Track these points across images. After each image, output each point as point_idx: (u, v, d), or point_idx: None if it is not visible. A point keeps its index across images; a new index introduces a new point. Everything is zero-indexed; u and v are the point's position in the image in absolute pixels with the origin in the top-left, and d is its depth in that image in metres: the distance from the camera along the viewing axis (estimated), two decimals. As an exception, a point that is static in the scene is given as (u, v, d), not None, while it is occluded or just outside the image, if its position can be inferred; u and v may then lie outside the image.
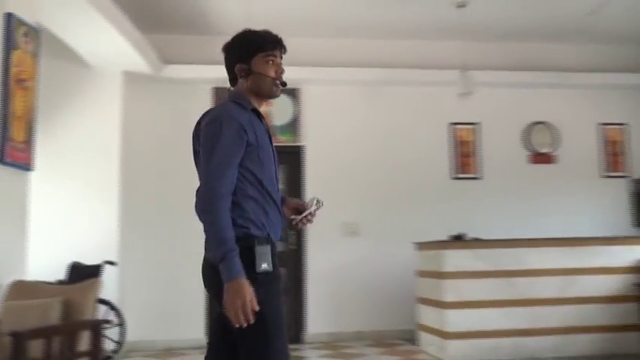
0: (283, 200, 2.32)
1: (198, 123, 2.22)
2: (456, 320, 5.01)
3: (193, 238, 6.13)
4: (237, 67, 2.22)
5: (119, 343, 5.41)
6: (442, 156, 6.85)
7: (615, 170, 7.02)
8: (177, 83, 6.45)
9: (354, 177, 6.63)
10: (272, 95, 2.27)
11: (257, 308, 1.92)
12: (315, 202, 2.28)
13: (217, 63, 5.62)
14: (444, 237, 5.64)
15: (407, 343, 6.01)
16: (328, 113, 6.70)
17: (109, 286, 5.48)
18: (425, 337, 5.58)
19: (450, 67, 6.06)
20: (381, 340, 6.29)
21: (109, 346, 5.29)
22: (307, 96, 6.69)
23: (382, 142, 6.72)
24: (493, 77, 6.60)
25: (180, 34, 6.45)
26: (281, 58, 2.25)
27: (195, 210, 2.09)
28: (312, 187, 6.53)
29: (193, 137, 2.26)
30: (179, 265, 6.22)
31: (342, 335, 6.39)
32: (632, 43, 6.96)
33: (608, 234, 6.47)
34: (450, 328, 5.01)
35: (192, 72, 6.26)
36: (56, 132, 5.79)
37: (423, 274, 5.61)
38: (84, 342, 3.23)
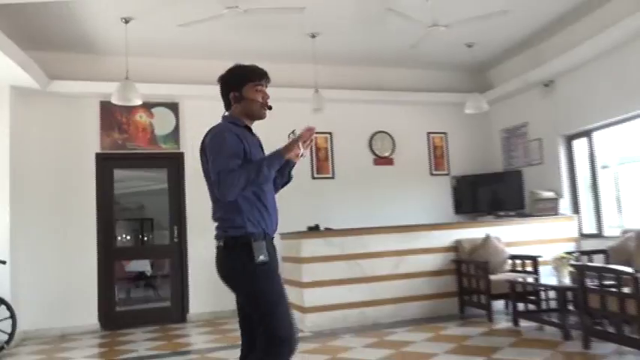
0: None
1: (203, 141, 2.66)
2: (312, 297, 5.93)
3: (81, 235, 6.72)
4: (231, 94, 2.68)
5: (10, 335, 5.78)
6: (304, 159, 7.76)
7: (440, 169, 8.42)
8: (65, 97, 6.82)
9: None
10: (260, 116, 2.71)
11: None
12: (290, 135, 2.66)
13: (103, 79, 6.19)
14: (306, 228, 6.57)
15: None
16: (205, 124, 7.26)
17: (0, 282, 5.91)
18: (289, 311, 6.50)
19: (306, 87, 7.02)
20: (254, 317, 7.15)
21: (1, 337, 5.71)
22: (186, 109, 7.35)
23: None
24: (342, 95, 7.70)
25: (67, 52, 6.80)
26: (266, 86, 2.70)
27: (214, 219, 2.62)
28: (192, 188, 7.22)
29: (201, 153, 2.68)
30: (70, 258, 6.72)
31: (222, 313, 7.11)
32: (448, 70, 8.38)
33: (438, 220, 7.83)
34: (307, 304, 5.92)
35: (79, 87, 6.69)
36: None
37: (287, 259, 6.47)
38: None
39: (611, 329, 4.24)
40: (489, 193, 8.32)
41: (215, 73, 7.41)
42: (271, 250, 2.61)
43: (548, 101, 7.53)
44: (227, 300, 7.32)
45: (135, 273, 8.28)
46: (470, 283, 6.28)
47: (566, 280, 5.02)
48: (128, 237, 7.99)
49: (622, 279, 4.06)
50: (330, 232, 6.36)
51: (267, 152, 2.71)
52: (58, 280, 6.65)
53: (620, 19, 5.88)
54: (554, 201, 7.26)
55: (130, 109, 7.04)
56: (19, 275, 6.37)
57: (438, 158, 8.45)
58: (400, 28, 6.40)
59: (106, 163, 7.00)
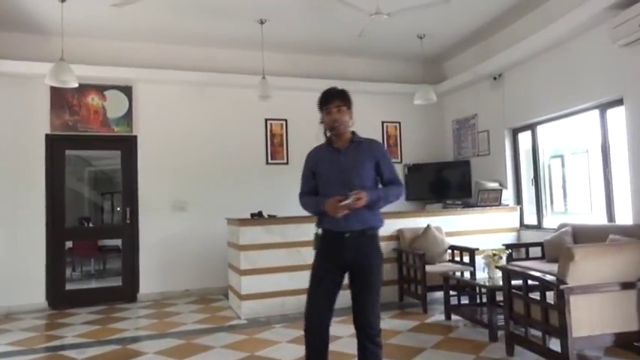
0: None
1: None
2: (249, 284, 5.17)
3: (29, 215, 5.92)
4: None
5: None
6: (259, 145, 6.98)
7: (393, 157, 7.57)
8: (13, 77, 5.92)
9: (182, 162, 6.59)
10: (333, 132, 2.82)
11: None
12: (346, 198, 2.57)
13: (51, 60, 5.24)
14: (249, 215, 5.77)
15: (225, 299, 6.18)
16: (159, 108, 6.55)
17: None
18: (232, 297, 5.75)
19: (255, 74, 6.13)
20: (205, 297, 6.42)
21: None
22: (140, 93, 6.48)
23: (207, 133, 6.71)
24: (295, 83, 6.83)
25: (13, 32, 5.89)
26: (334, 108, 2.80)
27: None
28: (145, 170, 6.43)
29: None
30: (17, 239, 5.93)
31: (171, 294, 6.45)
32: (402, 61, 7.50)
33: (389, 207, 6.99)
34: (244, 291, 5.17)
35: (25, 67, 5.78)
36: None
37: (230, 244, 5.75)
38: None
39: (534, 338, 3.48)
40: (439, 182, 7.52)
41: (169, 57, 6.58)
42: (323, 244, 2.78)
43: (496, 94, 6.70)
44: (178, 280, 6.71)
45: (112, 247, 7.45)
46: (409, 272, 5.53)
47: (497, 278, 4.27)
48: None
49: (547, 287, 3.29)
50: (270, 219, 5.55)
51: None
52: (4, 260, 5.85)
53: (565, 13, 5.05)
54: (498, 192, 6.48)
55: (82, 92, 6.16)
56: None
57: (391, 147, 7.62)
58: (348, 17, 5.52)
59: (57, 144, 6.14)
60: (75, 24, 5.61)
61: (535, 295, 3.41)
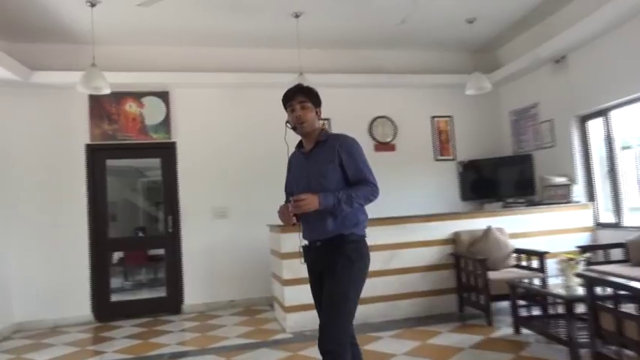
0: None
1: None
2: (294, 295, 4.73)
3: (72, 226, 5.79)
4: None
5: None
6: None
7: (445, 154, 7.00)
8: (51, 88, 5.81)
9: (220, 167, 6.29)
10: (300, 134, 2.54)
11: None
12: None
13: (85, 69, 5.01)
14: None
15: (271, 310, 5.80)
16: (196, 112, 6.28)
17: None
18: (277, 308, 5.37)
19: (293, 72, 5.71)
20: (250, 307, 6.07)
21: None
22: (176, 98, 6.23)
23: (247, 136, 6.38)
24: (337, 79, 6.37)
25: (48, 43, 5.76)
26: (297, 104, 2.47)
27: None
28: (185, 178, 6.17)
29: None
30: (62, 251, 5.83)
31: (216, 305, 6.14)
32: (451, 50, 6.88)
33: (443, 209, 6.47)
34: (287, 302, 4.77)
35: (61, 77, 5.61)
36: None
37: (272, 252, 5.37)
38: None
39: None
40: (497, 179, 6.84)
41: (204, 59, 6.28)
42: (308, 254, 2.52)
43: (560, 79, 5.97)
44: (223, 290, 6.39)
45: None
46: (468, 280, 4.93)
47: (575, 287, 3.62)
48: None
49: (646, 299, 2.66)
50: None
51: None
52: (51, 273, 5.74)
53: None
54: (567, 187, 5.75)
55: (120, 99, 5.99)
56: (10, 268, 5.50)
57: (443, 143, 7.01)
58: (388, 2, 5.03)
59: (97, 155, 5.99)
60: (107, 29, 5.42)
61: (628, 309, 2.78)
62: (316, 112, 2.52)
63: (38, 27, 5.34)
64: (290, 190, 2.60)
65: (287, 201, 2.47)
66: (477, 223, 5.27)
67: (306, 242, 2.52)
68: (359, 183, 2.38)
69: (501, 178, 6.81)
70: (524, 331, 4.15)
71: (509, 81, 6.85)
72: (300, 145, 2.60)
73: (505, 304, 4.68)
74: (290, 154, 2.70)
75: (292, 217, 2.35)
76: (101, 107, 5.97)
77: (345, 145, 2.43)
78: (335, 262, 2.33)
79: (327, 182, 2.36)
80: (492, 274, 4.63)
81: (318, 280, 2.47)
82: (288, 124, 2.52)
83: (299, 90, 2.50)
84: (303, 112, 2.46)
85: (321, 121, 2.58)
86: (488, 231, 5.07)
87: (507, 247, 5.02)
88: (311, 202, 2.26)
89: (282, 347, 4.26)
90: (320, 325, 2.30)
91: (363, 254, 2.40)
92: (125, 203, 7.19)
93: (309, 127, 2.48)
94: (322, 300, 2.34)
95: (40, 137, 5.84)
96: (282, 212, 2.41)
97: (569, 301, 3.46)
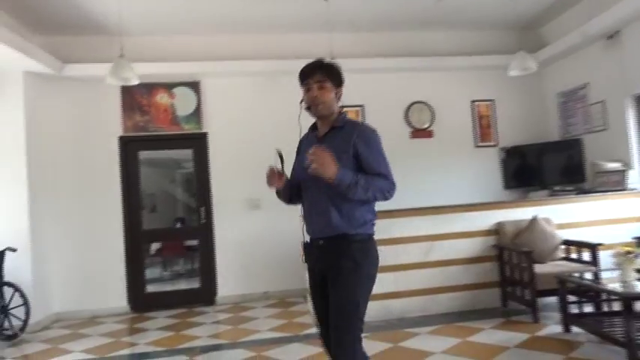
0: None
1: None
2: (326, 287, 4.59)
3: (107, 218, 5.82)
4: None
5: (25, 321, 4.92)
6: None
7: (486, 140, 6.62)
8: (84, 81, 5.81)
9: (254, 157, 6.04)
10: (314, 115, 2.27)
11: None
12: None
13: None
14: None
15: (305, 302, 5.66)
16: (227, 102, 6.16)
17: (19, 269, 5.07)
18: (309, 300, 5.20)
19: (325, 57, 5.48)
20: (284, 299, 5.94)
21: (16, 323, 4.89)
22: (207, 87, 6.12)
23: (278, 124, 6.07)
24: (371, 64, 6.10)
25: (80, 36, 5.75)
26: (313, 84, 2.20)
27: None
28: (217, 169, 6.08)
29: None
30: (97, 242, 5.86)
31: (250, 296, 6.05)
32: (492, 29, 6.47)
33: (484, 197, 6.13)
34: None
35: (94, 70, 5.59)
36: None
37: (305, 244, 5.19)
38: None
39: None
40: (543, 165, 6.41)
41: (233, 47, 6.11)
42: (312, 253, 2.22)
43: (612, 56, 5.50)
44: (257, 281, 6.26)
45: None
46: (513, 273, 4.60)
47: (633, 282, 3.27)
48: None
49: None
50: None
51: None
52: (89, 264, 5.79)
53: None
54: (621, 173, 5.31)
55: (151, 91, 5.93)
56: (49, 260, 5.56)
57: (484, 128, 6.62)
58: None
59: (130, 146, 5.96)
60: (137, 20, 5.36)
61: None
62: (336, 93, 2.23)
63: (69, 20, 5.33)
64: (294, 176, 2.34)
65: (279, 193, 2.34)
66: (522, 213, 4.91)
67: (307, 239, 2.26)
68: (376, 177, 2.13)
69: (547, 165, 6.38)
70: (575, 329, 3.82)
71: (555, 60, 6.38)
72: (314, 126, 2.33)
73: (552, 300, 4.36)
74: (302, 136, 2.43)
75: (278, 177, 2.19)
76: (133, 99, 5.93)
77: (364, 135, 2.15)
78: (340, 266, 2.08)
79: None
80: (538, 268, 4.29)
81: (319, 282, 2.21)
82: (302, 104, 2.24)
83: (318, 67, 2.20)
84: (320, 92, 2.17)
85: (342, 106, 2.30)
86: (533, 221, 4.71)
87: (554, 238, 4.65)
88: (328, 164, 1.98)
89: (313, 342, 4.09)
90: (331, 340, 2.06)
91: (370, 253, 2.13)
92: (164, 194, 7.21)
93: (325, 109, 2.20)
94: (328, 309, 2.10)
95: (75, 130, 5.86)
96: (270, 171, 2.23)
97: (628, 298, 3.12)
